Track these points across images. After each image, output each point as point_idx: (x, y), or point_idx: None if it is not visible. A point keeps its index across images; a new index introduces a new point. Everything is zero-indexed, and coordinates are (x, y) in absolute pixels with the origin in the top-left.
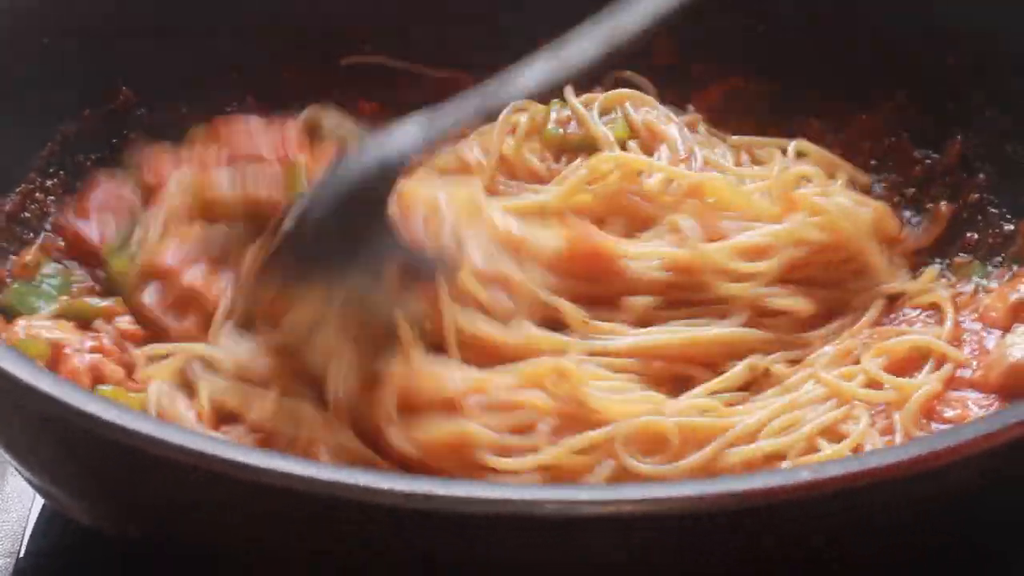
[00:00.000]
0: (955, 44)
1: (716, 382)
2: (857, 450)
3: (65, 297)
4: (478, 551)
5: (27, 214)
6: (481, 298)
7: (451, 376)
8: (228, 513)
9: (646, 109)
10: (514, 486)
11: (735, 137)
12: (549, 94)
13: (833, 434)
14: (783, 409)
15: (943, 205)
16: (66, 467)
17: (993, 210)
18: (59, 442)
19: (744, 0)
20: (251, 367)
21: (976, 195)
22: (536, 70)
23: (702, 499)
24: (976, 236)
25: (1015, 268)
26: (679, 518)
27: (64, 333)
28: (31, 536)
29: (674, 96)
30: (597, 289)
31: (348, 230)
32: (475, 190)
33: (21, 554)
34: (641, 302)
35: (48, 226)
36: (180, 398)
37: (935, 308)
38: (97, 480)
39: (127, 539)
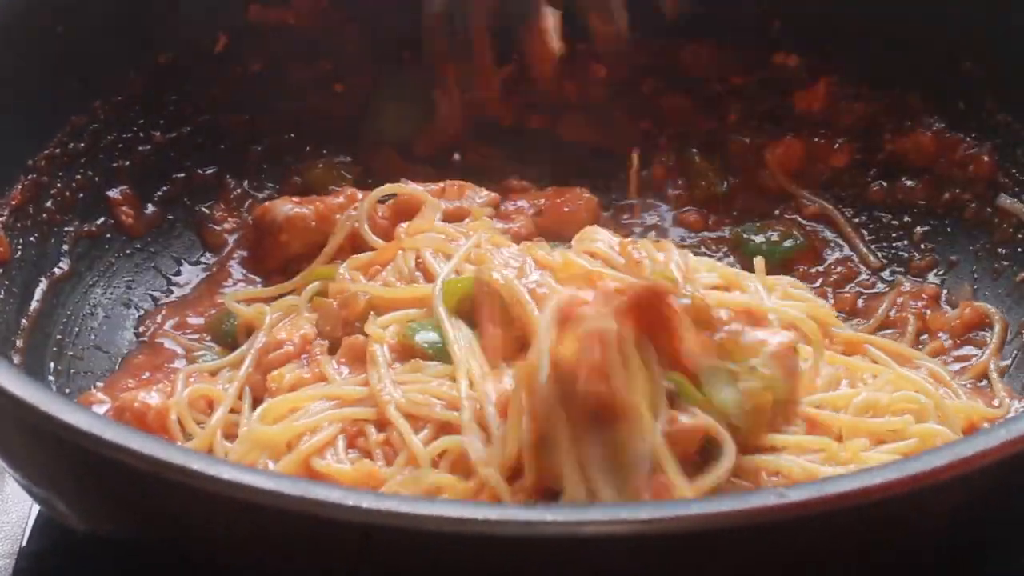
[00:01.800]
0: (970, 48)
1: None
2: None
3: None
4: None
5: (32, 208)
6: None
7: None
8: (216, 525)
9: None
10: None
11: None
12: None
13: None
14: None
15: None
16: (58, 476)
17: None
18: (49, 453)
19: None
20: None
21: None
22: None
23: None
24: None
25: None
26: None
27: None
28: (31, 536)
29: None
30: None
31: None
32: None
33: (21, 554)
34: None
35: None
36: None
37: None
38: (90, 491)
39: (124, 542)
